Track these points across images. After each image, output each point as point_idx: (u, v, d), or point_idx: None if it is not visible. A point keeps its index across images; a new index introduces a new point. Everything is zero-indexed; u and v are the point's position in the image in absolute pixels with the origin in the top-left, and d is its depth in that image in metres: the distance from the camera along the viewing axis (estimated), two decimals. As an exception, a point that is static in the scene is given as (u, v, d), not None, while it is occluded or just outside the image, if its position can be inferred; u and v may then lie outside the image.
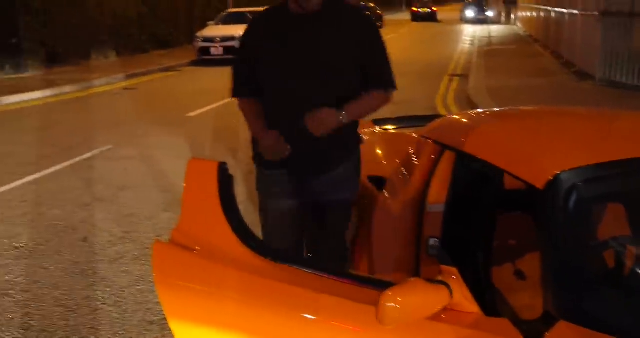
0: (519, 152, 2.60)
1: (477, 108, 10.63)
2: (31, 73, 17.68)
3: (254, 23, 3.09)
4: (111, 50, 21.71)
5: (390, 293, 1.85)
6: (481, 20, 40.87)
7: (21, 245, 5.34)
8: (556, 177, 2.33)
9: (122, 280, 4.62)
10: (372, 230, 3.30)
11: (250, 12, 21.21)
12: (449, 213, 3.04)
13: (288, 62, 2.89)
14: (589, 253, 2.43)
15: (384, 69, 3.09)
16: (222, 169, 2.57)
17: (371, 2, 46.32)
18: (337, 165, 3.04)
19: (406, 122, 4.59)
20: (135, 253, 5.06)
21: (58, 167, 7.79)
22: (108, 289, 4.48)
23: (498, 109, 3.90)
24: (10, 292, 4.49)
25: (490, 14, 40.76)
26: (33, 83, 15.77)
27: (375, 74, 3.04)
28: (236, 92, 3.11)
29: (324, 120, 2.80)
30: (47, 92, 14.56)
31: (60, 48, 19.21)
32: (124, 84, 16.24)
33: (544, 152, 2.54)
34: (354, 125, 3.07)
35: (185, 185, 2.66)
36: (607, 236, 2.77)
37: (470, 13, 44.56)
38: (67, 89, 15.14)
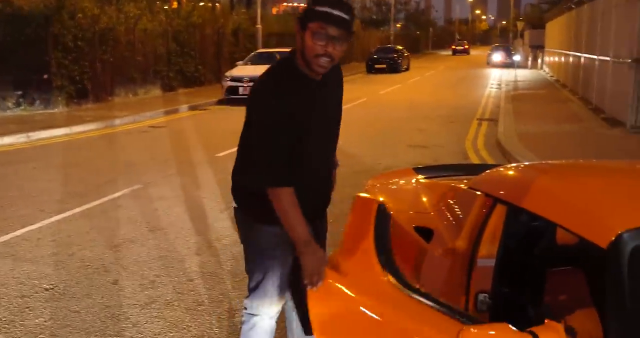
0: (580, 209, 2.51)
1: (509, 153, 10.53)
2: (60, 109, 17.86)
3: (286, 89, 2.76)
4: (140, 88, 21.93)
5: (474, 331, 1.93)
6: (508, 65, 40.88)
7: (51, 286, 5.27)
8: (620, 237, 2.27)
9: (154, 326, 4.51)
10: (419, 283, 3.20)
11: (279, 52, 21.37)
12: (499, 268, 2.94)
13: (319, 125, 2.88)
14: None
15: None
16: (381, 208, 2.89)
17: (399, 45, 46.67)
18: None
19: (447, 170, 4.50)
20: (168, 298, 4.96)
21: (88, 206, 7.76)
22: (140, 335, 4.38)
23: (551, 162, 3.81)
24: (40, 336, 4.40)
25: (517, 58, 40.83)
26: (61, 119, 15.94)
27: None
28: (286, 180, 2.76)
29: None
30: (75, 129, 14.67)
31: (89, 84, 19.43)
32: (152, 122, 16.34)
33: (607, 210, 2.46)
34: None
35: (349, 217, 3.08)
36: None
37: (497, 57, 44.63)
38: (94, 125, 15.26)
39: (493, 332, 1.98)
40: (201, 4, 31.32)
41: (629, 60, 12.89)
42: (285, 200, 2.73)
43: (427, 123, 15.17)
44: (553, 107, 17.53)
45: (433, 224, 3.28)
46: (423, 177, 4.31)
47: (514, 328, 1.98)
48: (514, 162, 9.58)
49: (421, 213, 3.51)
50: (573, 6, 22.97)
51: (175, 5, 30.14)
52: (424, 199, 3.70)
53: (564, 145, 11.38)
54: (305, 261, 2.67)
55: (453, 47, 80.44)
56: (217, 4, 35.66)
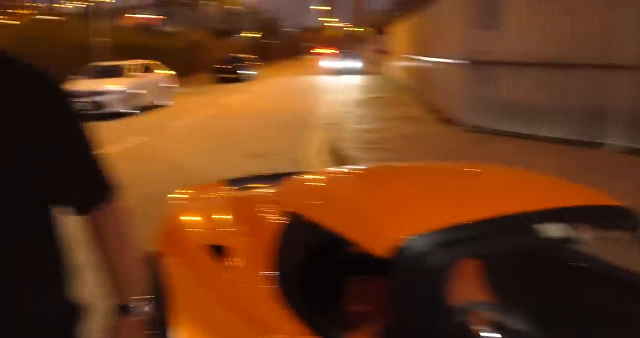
0: (363, 218, 2.42)
1: (346, 157, 10.61)
2: None
3: None
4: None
5: None
6: (352, 71, 41.38)
7: None
8: (402, 245, 2.19)
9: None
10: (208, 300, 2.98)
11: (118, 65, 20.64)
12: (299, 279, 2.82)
13: None
14: (443, 322, 2.31)
15: (95, 169, 1.66)
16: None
17: (250, 54, 46.22)
18: None
19: (265, 180, 4.29)
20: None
21: None
22: None
23: (349, 168, 3.74)
24: None
25: (360, 64, 41.63)
26: None
27: (85, 182, 1.64)
28: None
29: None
30: None
31: None
32: None
33: (390, 218, 2.38)
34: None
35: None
36: (461, 302, 2.65)
37: (341, 63, 44.76)
38: None
39: None
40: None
41: (458, 62, 13.36)
42: None
43: (264, 130, 15.07)
44: (395, 111, 17.87)
45: (228, 240, 3.10)
46: (233, 188, 4.12)
47: None
48: (351, 166, 9.65)
49: (219, 229, 3.32)
50: (409, 12, 23.74)
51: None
52: (225, 214, 3.51)
53: (401, 146, 11.56)
54: None
55: (315, 50, 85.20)
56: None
